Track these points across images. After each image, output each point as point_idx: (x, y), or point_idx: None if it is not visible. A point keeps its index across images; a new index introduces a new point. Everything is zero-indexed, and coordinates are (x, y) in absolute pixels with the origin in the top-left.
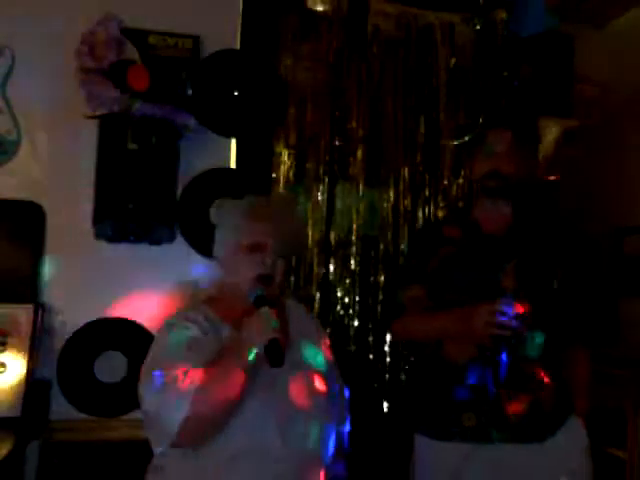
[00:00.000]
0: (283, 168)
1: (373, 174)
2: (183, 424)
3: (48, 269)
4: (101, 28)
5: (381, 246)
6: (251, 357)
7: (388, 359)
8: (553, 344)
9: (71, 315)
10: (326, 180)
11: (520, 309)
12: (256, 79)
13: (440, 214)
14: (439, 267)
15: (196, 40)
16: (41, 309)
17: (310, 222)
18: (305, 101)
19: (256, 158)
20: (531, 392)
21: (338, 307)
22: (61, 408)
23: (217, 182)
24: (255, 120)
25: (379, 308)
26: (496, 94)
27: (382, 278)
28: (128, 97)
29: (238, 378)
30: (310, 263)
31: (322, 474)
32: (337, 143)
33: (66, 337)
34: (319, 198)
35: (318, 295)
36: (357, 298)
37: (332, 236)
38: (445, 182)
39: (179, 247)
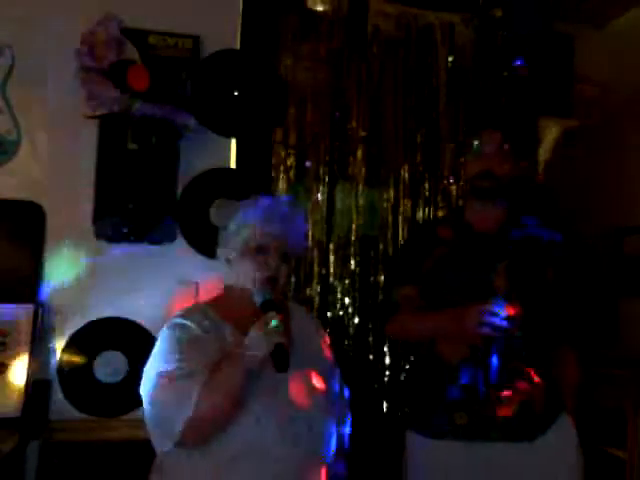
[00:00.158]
0: (283, 168)
1: (373, 174)
2: (187, 424)
3: (48, 269)
4: (101, 28)
5: (381, 246)
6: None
7: (388, 359)
8: (543, 344)
9: (71, 315)
10: (326, 180)
11: (511, 310)
12: (256, 79)
13: (440, 214)
14: (433, 267)
15: (196, 40)
16: (41, 309)
17: (310, 222)
18: (305, 101)
19: (256, 158)
20: (522, 392)
21: (338, 307)
22: (61, 408)
23: (217, 182)
24: (255, 120)
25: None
26: (495, 94)
27: (382, 278)
28: (128, 97)
29: (241, 379)
30: (310, 263)
31: (323, 474)
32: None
33: (66, 337)
34: (319, 198)
35: (318, 295)
36: (357, 298)
37: (332, 236)
38: (445, 182)
39: (179, 247)
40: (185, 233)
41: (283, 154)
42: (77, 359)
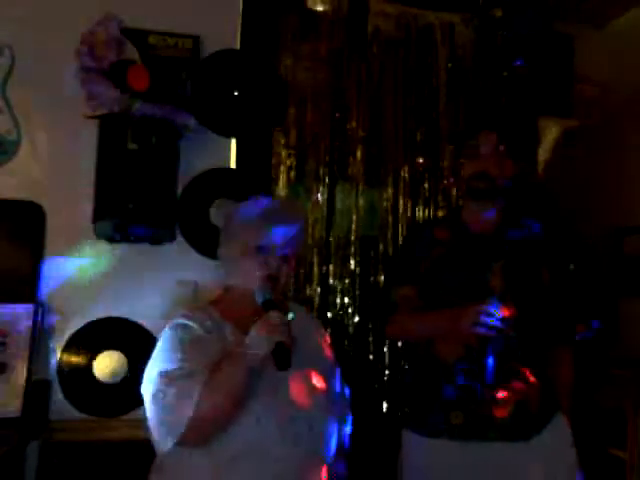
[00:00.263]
0: (283, 168)
1: (373, 174)
2: (188, 423)
3: (48, 269)
4: (101, 28)
5: (381, 246)
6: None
7: (388, 359)
8: (539, 344)
9: (71, 315)
10: (326, 180)
11: (506, 311)
12: (256, 79)
13: (440, 214)
14: (430, 268)
15: (196, 40)
16: (41, 309)
17: (310, 222)
18: (305, 101)
19: (256, 158)
20: (517, 392)
21: (337, 307)
22: (61, 408)
23: (217, 182)
24: (255, 120)
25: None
26: (495, 94)
27: (382, 278)
28: (128, 97)
29: (242, 378)
30: (310, 263)
31: (323, 474)
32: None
33: (66, 337)
34: (319, 198)
35: (318, 295)
36: (357, 298)
37: (332, 236)
38: (445, 182)
39: (179, 247)
40: (185, 233)
41: (283, 154)
42: (77, 359)
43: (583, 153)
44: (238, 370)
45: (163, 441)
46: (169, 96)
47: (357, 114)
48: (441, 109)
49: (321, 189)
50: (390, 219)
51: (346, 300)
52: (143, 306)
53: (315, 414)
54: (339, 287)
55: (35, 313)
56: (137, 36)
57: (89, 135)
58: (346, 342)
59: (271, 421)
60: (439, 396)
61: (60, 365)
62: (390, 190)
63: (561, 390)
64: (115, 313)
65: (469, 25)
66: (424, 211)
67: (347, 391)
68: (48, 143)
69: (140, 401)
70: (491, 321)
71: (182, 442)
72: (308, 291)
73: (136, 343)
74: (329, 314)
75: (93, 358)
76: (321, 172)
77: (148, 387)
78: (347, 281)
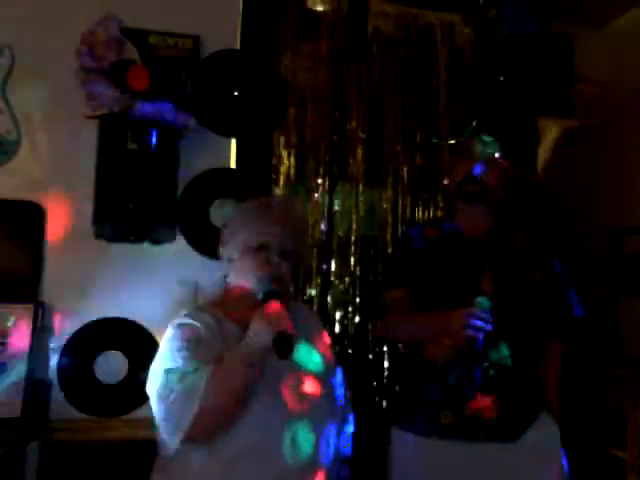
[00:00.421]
0: (283, 168)
1: (373, 174)
2: (195, 419)
3: (48, 269)
4: (101, 28)
5: (381, 246)
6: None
7: (387, 359)
8: (528, 345)
9: (71, 315)
10: (326, 180)
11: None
12: (256, 79)
13: (440, 214)
14: (421, 269)
15: (196, 40)
16: (41, 309)
17: (310, 222)
18: (305, 101)
19: (256, 158)
20: (504, 393)
21: (337, 307)
22: (61, 408)
23: (217, 182)
24: (255, 120)
25: None
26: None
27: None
28: (128, 97)
29: (244, 375)
30: (310, 263)
31: (324, 475)
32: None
33: (66, 337)
34: (319, 198)
35: (318, 295)
36: (357, 298)
37: (332, 236)
38: (445, 182)
39: (179, 247)
40: (185, 233)
41: (283, 154)
42: (77, 359)
43: (583, 153)
44: (241, 367)
45: (170, 438)
46: (169, 96)
47: (357, 114)
48: (441, 109)
49: (321, 189)
50: (390, 219)
51: (346, 300)
52: (143, 306)
53: (315, 415)
54: (339, 287)
55: (35, 313)
56: (137, 36)
57: (89, 135)
58: (346, 342)
59: (271, 422)
60: (430, 396)
61: (60, 365)
62: (390, 190)
63: (550, 390)
64: (115, 313)
65: (469, 25)
66: (424, 211)
67: (348, 391)
68: (48, 143)
69: (140, 401)
70: (480, 324)
71: (188, 439)
72: (308, 291)
73: (136, 343)
74: (329, 314)
75: (93, 358)
76: (321, 172)
77: (154, 385)
78: (347, 280)
